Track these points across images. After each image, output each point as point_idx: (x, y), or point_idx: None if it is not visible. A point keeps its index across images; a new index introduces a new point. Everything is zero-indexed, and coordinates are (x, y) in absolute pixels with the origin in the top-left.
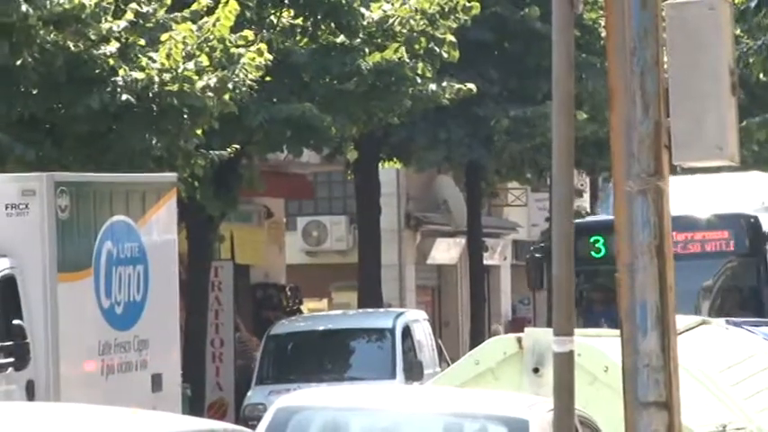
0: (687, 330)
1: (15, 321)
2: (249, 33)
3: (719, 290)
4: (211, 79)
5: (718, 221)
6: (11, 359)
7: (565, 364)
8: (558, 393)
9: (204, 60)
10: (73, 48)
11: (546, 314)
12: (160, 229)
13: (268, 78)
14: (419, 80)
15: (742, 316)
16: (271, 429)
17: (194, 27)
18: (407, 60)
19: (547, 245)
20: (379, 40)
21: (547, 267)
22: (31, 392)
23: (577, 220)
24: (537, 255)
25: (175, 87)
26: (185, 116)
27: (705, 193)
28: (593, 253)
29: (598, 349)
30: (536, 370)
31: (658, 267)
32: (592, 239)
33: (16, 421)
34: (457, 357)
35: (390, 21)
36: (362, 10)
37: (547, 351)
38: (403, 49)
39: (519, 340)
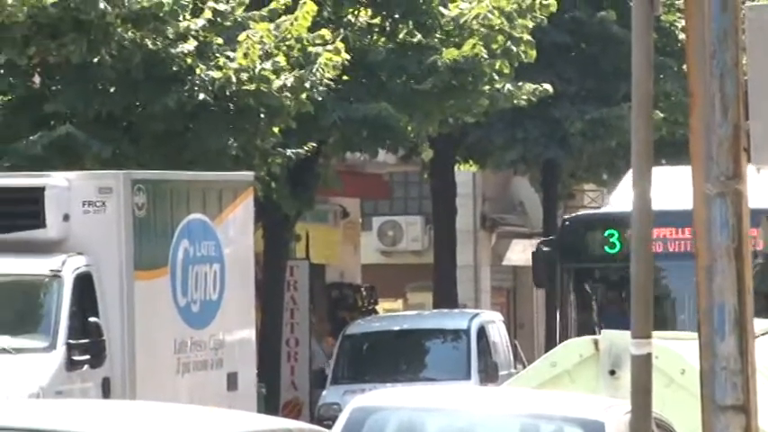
0: (764, 334)
1: (92, 319)
2: (326, 33)
3: None
4: (288, 79)
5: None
6: (87, 356)
7: (642, 367)
8: (636, 396)
9: (281, 60)
10: (151, 46)
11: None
12: (237, 228)
13: (345, 77)
14: (497, 78)
15: None
16: (347, 429)
17: (272, 26)
18: (485, 57)
19: (556, 239)
20: (457, 39)
21: (560, 262)
22: (106, 390)
23: (588, 212)
24: (545, 248)
25: (253, 87)
26: (262, 115)
27: None
28: (607, 248)
29: (675, 352)
30: (612, 372)
31: (737, 269)
32: (606, 233)
33: (93, 419)
34: (532, 359)
35: (467, 17)
36: (441, 9)
37: (623, 353)
38: (480, 45)
39: (595, 343)
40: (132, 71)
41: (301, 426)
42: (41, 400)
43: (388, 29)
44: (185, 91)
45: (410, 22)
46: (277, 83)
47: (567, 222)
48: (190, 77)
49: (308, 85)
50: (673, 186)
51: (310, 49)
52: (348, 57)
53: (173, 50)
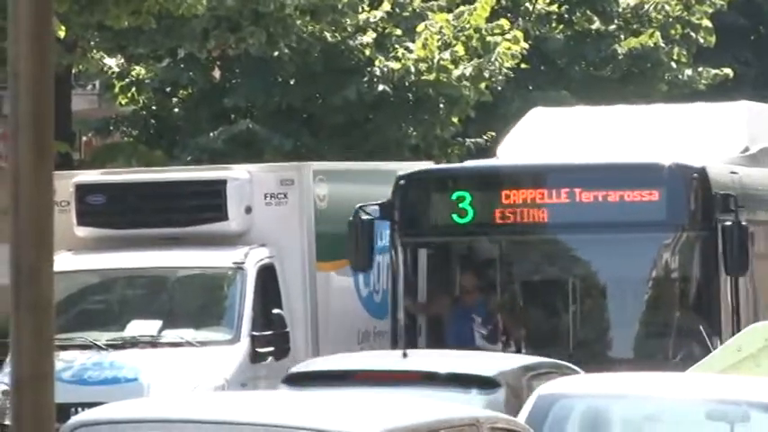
0: None
1: (275, 311)
2: (505, 22)
3: (641, 286)
4: (467, 68)
5: (643, 174)
6: (271, 348)
7: None
8: None
9: (460, 50)
10: (330, 38)
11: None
12: None
13: (523, 66)
14: (675, 65)
15: (685, 328)
16: (532, 416)
17: (450, 17)
18: (663, 46)
19: (387, 203)
20: (635, 26)
21: (391, 234)
22: None
23: (430, 167)
24: (365, 216)
25: (432, 77)
26: (441, 105)
27: (650, 130)
28: (455, 217)
29: None
30: None
31: None
32: (454, 196)
33: (283, 409)
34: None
35: (646, 6)
36: None
37: None
38: (658, 34)
39: None
40: (311, 64)
41: (488, 414)
42: (228, 393)
43: (565, 16)
44: (365, 82)
45: (587, 10)
46: (456, 72)
47: (402, 180)
48: (369, 69)
49: (486, 74)
50: (587, 131)
51: (489, 38)
52: (527, 45)
53: (351, 42)
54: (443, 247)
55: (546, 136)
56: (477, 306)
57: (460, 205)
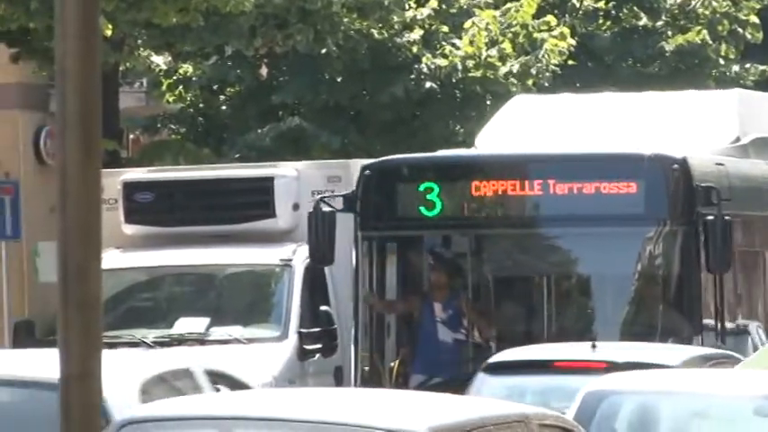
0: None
1: (323, 308)
2: (552, 19)
3: (619, 282)
4: (514, 65)
5: (620, 165)
6: (318, 345)
7: None
8: None
9: (507, 46)
10: (377, 35)
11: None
12: None
13: (571, 62)
14: (722, 62)
15: (664, 326)
16: (580, 413)
17: (497, 13)
18: (710, 42)
19: (351, 194)
20: (682, 23)
21: (358, 228)
22: (339, 379)
23: (397, 156)
24: (326, 208)
25: (479, 74)
26: (489, 102)
27: (637, 119)
28: (423, 209)
29: None
30: None
31: None
32: (422, 187)
33: (332, 406)
34: None
35: (693, 3)
36: None
37: None
38: (705, 30)
39: None
40: (359, 61)
41: (537, 410)
42: (276, 389)
43: (613, 13)
44: (412, 79)
45: (634, 7)
46: (503, 69)
47: (367, 171)
48: (416, 66)
49: (533, 71)
50: (571, 120)
51: (536, 35)
52: (573, 42)
53: (399, 40)
54: (410, 242)
55: (527, 125)
56: (446, 304)
57: (428, 197)
